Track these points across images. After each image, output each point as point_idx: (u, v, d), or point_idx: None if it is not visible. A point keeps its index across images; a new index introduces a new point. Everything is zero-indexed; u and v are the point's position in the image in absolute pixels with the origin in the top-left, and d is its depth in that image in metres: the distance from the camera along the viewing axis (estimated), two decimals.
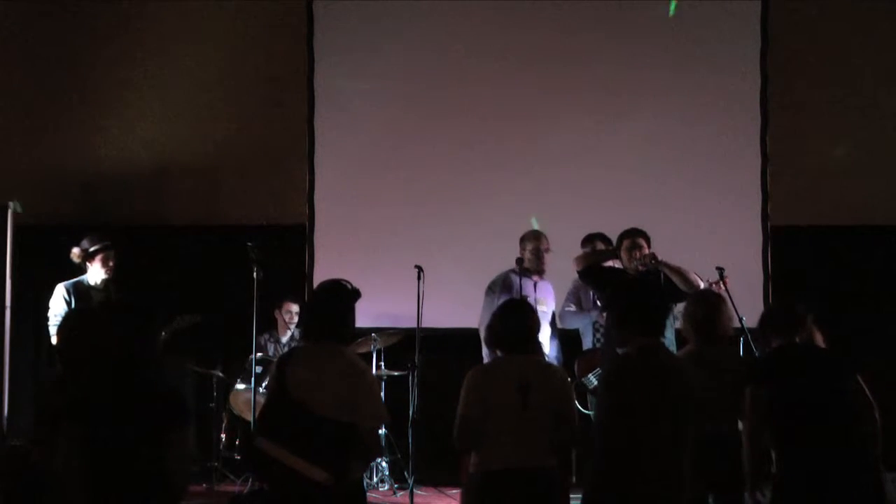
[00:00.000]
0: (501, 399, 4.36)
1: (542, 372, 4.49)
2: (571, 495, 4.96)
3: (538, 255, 6.96)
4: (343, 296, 4.39)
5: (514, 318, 4.59)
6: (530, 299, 6.63)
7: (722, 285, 6.50)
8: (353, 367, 4.31)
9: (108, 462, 3.84)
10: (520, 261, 6.93)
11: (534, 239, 7.04)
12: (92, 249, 7.02)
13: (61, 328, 4.27)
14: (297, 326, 7.99)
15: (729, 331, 5.19)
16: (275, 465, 4.13)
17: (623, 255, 6.63)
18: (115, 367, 3.95)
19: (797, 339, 4.90)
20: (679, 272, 6.38)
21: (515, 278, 6.86)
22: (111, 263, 7.05)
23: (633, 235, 6.63)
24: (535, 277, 6.96)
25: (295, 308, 8.01)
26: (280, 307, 7.99)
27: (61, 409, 3.97)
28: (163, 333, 4.47)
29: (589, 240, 7.19)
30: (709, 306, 5.14)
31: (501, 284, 6.91)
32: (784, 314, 5.00)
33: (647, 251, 6.53)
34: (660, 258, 6.46)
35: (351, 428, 4.19)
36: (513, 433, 4.35)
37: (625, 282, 6.15)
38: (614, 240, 6.77)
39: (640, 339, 4.36)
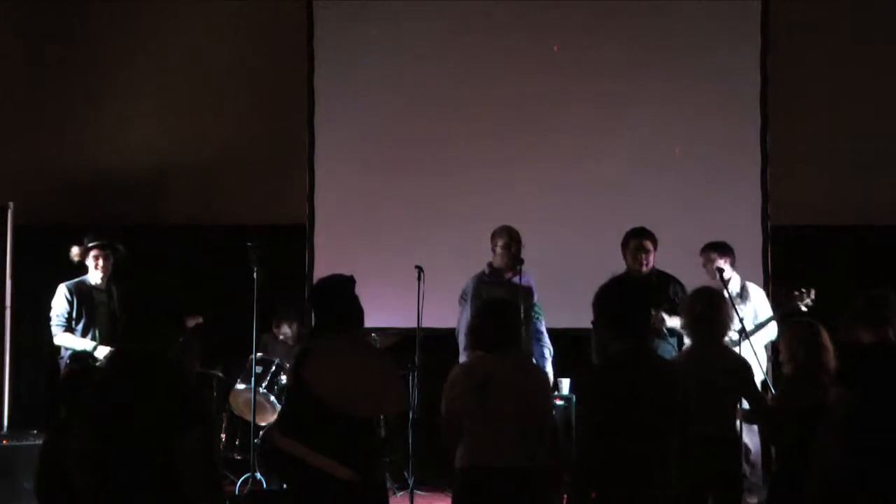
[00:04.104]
0: (471, 398, 4.39)
1: (520, 370, 4.53)
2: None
3: (508, 252, 6.73)
4: (341, 286, 4.41)
5: (495, 318, 4.59)
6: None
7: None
8: (370, 355, 4.34)
9: (115, 461, 3.82)
10: (490, 265, 6.81)
11: (503, 234, 6.81)
12: (88, 246, 6.99)
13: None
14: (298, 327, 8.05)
15: (728, 330, 5.15)
16: (297, 464, 4.12)
17: (627, 255, 6.58)
18: (129, 365, 3.94)
19: (890, 334, 4.43)
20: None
21: (481, 284, 6.72)
22: (102, 262, 6.98)
23: (641, 237, 6.57)
24: (509, 275, 6.79)
25: (286, 330, 7.99)
26: (278, 325, 7.97)
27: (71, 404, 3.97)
28: (181, 338, 4.46)
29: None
30: (707, 304, 5.08)
31: (472, 292, 6.73)
32: (877, 303, 4.52)
33: (652, 258, 6.48)
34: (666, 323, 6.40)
35: (375, 424, 4.20)
36: (479, 432, 4.38)
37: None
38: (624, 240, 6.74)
39: (621, 341, 4.11)
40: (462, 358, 6.64)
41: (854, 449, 4.18)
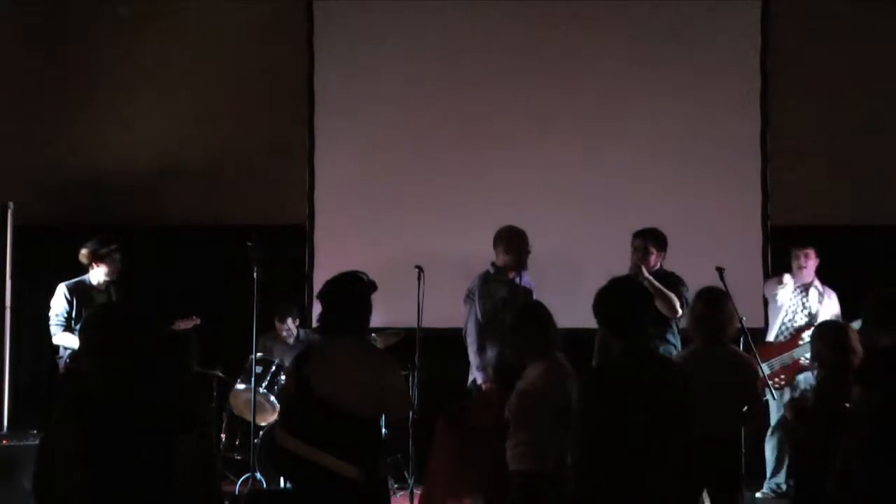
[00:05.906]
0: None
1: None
2: None
3: (516, 252, 6.75)
4: (359, 288, 4.40)
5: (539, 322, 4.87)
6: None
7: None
8: (376, 359, 4.33)
9: (107, 467, 3.81)
10: (494, 264, 6.82)
11: (513, 236, 6.80)
12: (102, 252, 7.02)
13: (84, 328, 4.20)
14: (300, 327, 8.04)
15: (731, 330, 5.14)
16: (302, 463, 4.12)
17: (633, 255, 6.57)
18: (114, 371, 3.93)
19: None
20: (661, 294, 6.24)
21: (487, 283, 6.74)
22: (118, 266, 7.07)
23: (641, 238, 6.54)
24: (512, 274, 6.81)
25: (290, 325, 7.95)
26: (281, 320, 7.92)
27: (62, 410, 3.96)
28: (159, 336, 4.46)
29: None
30: (710, 305, 5.08)
31: (478, 291, 6.73)
32: (892, 305, 4.45)
33: (653, 259, 6.46)
34: (646, 274, 6.36)
35: (378, 423, 4.20)
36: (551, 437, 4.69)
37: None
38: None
39: (621, 342, 4.10)
40: (472, 356, 6.64)
41: (875, 450, 4.13)
